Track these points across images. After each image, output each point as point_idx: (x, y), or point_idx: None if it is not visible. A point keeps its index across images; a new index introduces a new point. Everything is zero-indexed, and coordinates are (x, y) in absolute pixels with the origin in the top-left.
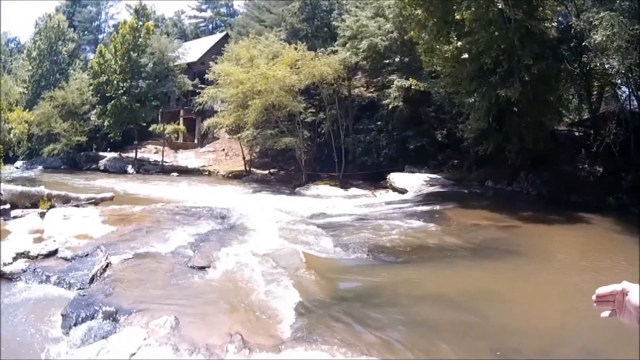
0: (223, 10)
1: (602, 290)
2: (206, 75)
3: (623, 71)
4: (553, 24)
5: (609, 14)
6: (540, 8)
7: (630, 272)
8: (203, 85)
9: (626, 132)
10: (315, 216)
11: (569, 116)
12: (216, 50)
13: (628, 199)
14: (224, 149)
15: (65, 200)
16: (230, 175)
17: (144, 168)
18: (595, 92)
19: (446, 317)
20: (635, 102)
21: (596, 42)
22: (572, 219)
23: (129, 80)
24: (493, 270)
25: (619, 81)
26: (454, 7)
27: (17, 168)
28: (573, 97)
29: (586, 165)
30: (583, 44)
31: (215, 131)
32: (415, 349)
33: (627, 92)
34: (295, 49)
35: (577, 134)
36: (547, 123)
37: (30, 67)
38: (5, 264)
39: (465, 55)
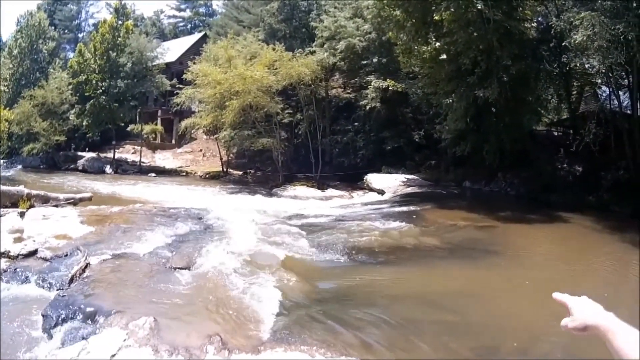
0: (202, 10)
1: (557, 296)
2: (184, 76)
3: (603, 71)
4: (533, 24)
5: (590, 14)
6: (520, 8)
7: (611, 270)
8: (181, 86)
9: (606, 131)
10: (293, 217)
11: (548, 116)
12: (194, 51)
13: (608, 198)
14: (201, 150)
15: (45, 200)
16: (207, 175)
17: (122, 168)
18: (574, 92)
19: (425, 317)
20: (615, 102)
21: (576, 42)
22: (551, 218)
23: (107, 80)
24: (471, 269)
25: (599, 81)
26: (433, 8)
27: None
28: (552, 97)
29: (565, 165)
30: (563, 44)
31: (192, 132)
32: (394, 348)
33: (607, 92)
34: (274, 49)
35: (556, 133)
36: (525, 123)
37: (11, 65)
38: None
39: (444, 56)
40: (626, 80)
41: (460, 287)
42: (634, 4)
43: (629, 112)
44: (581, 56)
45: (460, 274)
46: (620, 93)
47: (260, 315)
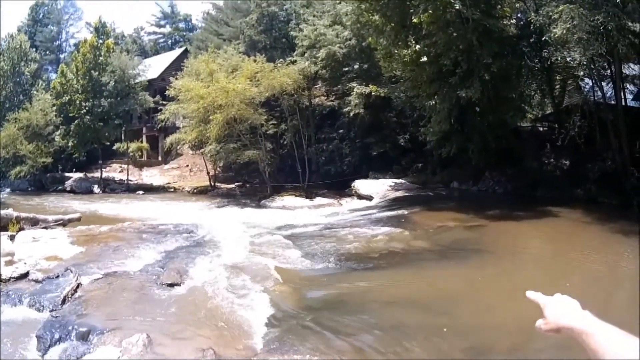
0: (182, 25)
1: (530, 295)
2: (167, 92)
3: (585, 63)
4: (512, 21)
5: (569, 7)
6: (499, 6)
7: (601, 262)
8: (164, 102)
9: (591, 124)
10: (282, 228)
11: (532, 112)
12: (176, 66)
13: (596, 190)
14: (187, 165)
15: (34, 223)
16: (195, 191)
17: (110, 187)
18: (557, 86)
19: (416, 320)
20: (599, 93)
21: (556, 35)
22: (540, 213)
23: (91, 100)
24: (462, 270)
25: (582, 73)
26: (411, 11)
27: None
28: (535, 92)
29: (552, 160)
30: (543, 38)
31: (178, 147)
32: (386, 352)
33: (590, 84)
34: (255, 61)
35: (541, 129)
36: (509, 120)
37: None
38: None
39: (424, 58)
40: (608, 71)
41: (450, 289)
42: None
43: (613, 102)
44: (562, 50)
45: (451, 276)
46: (604, 84)
47: (253, 326)
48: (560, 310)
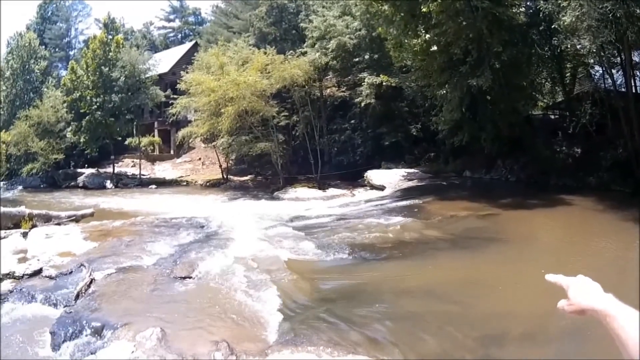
0: (191, 19)
1: (550, 278)
2: (178, 86)
3: (595, 50)
4: (521, 9)
5: None
6: None
7: (614, 249)
8: (175, 96)
9: (602, 111)
10: (295, 219)
11: (543, 100)
12: (186, 60)
13: (608, 177)
14: (200, 158)
15: (47, 219)
16: (208, 184)
17: (122, 182)
18: (568, 74)
19: (430, 309)
20: (609, 80)
21: (566, 23)
22: (552, 201)
23: (101, 95)
24: (475, 259)
25: (592, 61)
26: (421, 0)
27: None
28: (546, 80)
29: (564, 148)
30: (553, 26)
31: (190, 141)
32: (400, 343)
33: (601, 71)
34: (265, 53)
35: (552, 117)
36: (520, 108)
37: (4, 87)
38: None
39: (435, 48)
40: (618, 59)
41: (463, 278)
42: None
43: (623, 90)
44: (572, 37)
45: (464, 264)
46: (614, 72)
47: (266, 319)
48: (584, 292)
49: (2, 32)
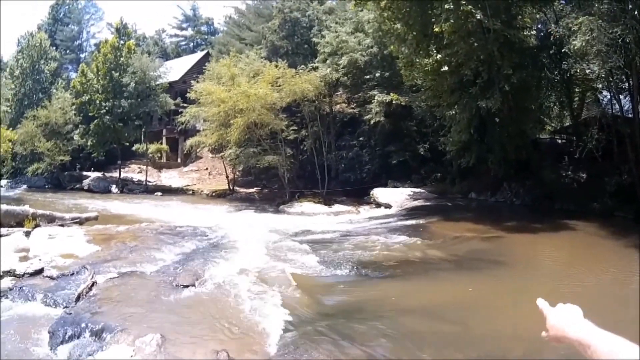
0: (204, 28)
1: (539, 303)
2: (188, 94)
3: (604, 75)
4: (532, 32)
5: (588, 19)
6: (519, 16)
7: (616, 276)
8: (185, 104)
9: (608, 137)
10: (300, 233)
11: (551, 124)
12: (197, 69)
13: (612, 203)
14: (207, 168)
15: (50, 220)
16: (214, 194)
17: (128, 188)
18: (576, 99)
19: (431, 329)
20: (617, 106)
21: (576, 47)
22: (557, 226)
23: (111, 100)
24: (477, 281)
25: (600, 86)
26: (433, 20)
27: (1, 187)
28: (554, 104)
29: (569, 172)
30: (563, 50)
31: (198, 150)
32: None
33: (609, 96)
34: (276, 66)
35: (559, 141)
36: (528, 132)
37: (13, 86)
38: None
39: (445, 68)
40: (626, 84)
41: (465, 299)
42: (630, 7)
43: (630, 115)
44: (581, 62)
45: (466, 286)
46: (621, 97)
47: (267, 331)
48: (561, 320)
49: (12, 30)
